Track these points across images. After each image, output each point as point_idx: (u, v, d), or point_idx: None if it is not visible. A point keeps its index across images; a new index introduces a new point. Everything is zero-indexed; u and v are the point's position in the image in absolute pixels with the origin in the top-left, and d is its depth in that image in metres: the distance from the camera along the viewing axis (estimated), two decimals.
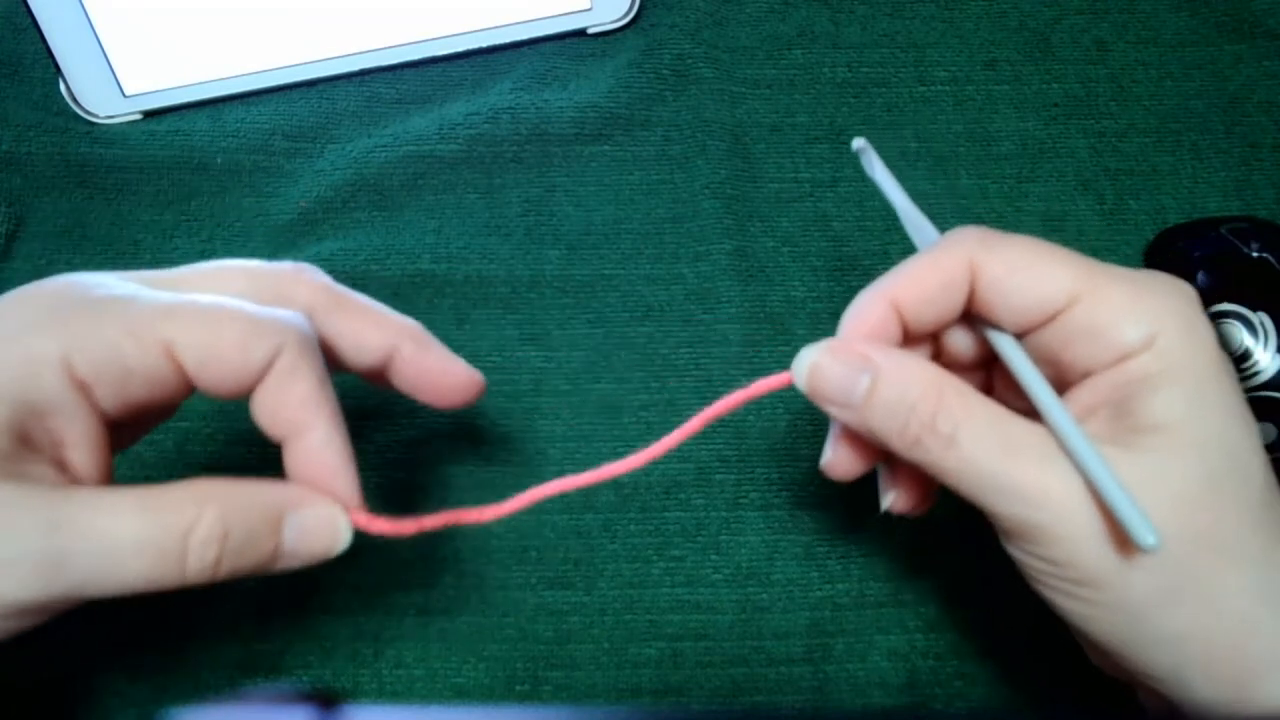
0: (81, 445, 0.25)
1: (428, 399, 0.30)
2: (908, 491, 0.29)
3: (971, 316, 0.27)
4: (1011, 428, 0.25)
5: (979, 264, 0.25)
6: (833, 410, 0.26)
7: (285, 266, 0.28)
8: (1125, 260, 0.41)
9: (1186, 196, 0.42)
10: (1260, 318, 0.36)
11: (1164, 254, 0.40)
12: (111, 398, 0.25)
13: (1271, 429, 0.35)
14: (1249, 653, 0.24)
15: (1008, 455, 0.24)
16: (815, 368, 0.26)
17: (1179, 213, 0.42)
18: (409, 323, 0.29)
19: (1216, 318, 0.37)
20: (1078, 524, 0.24)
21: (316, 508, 0.26)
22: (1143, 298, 0.24)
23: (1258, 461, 0.24)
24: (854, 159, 0.42)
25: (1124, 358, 0.24)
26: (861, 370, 0.25)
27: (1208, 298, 0.37)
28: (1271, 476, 0.25)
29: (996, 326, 0.26)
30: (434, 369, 0.29)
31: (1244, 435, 0.24)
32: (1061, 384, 0.26)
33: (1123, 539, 0.23)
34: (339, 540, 0.26)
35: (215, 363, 0.25)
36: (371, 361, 0.29)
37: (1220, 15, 0.45)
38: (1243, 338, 0.36)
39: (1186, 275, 0.38)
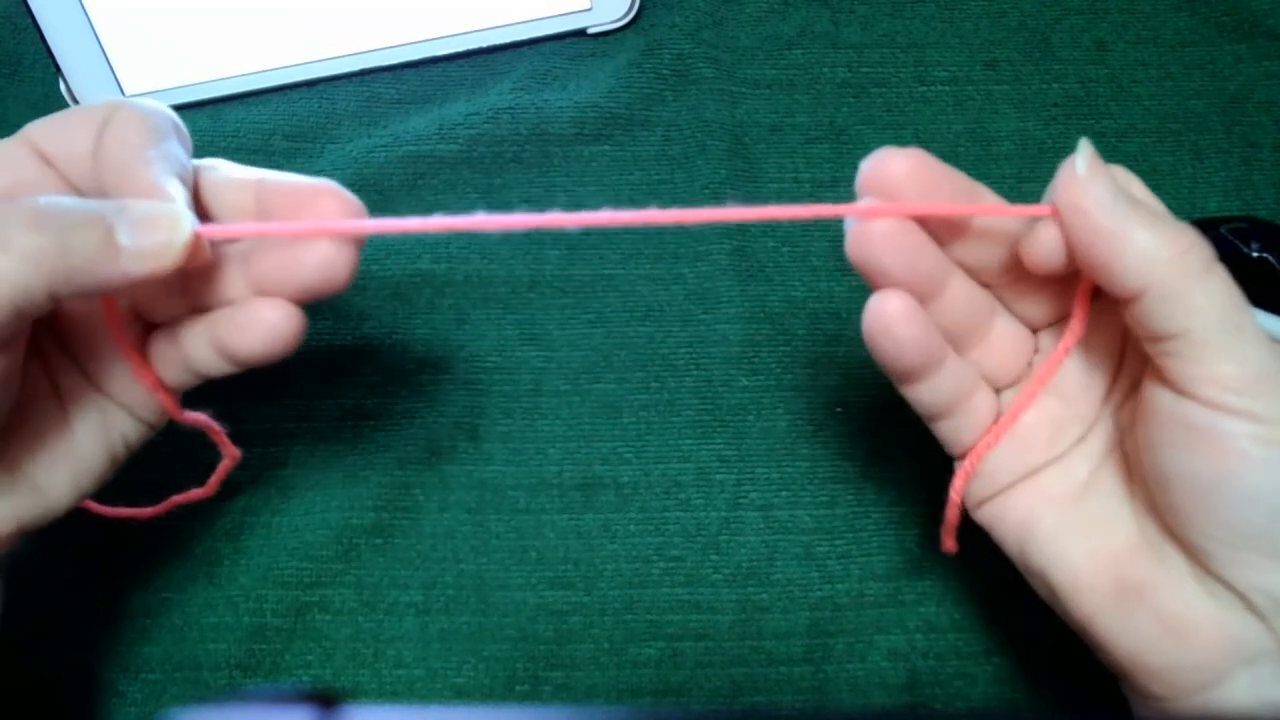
0: None
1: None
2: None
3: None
4: None
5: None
6: (1065, 185, 0.26)
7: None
8: None
9: (1186, 196, 0.42)
10: (1260, 317, 0.36)
11: None
12: None
13: None
14: None
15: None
16: (1091, 169, 0.27)
17: (1179, 213, 0.41)
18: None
19: None
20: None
21: (144, 202, 0.26)
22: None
23: None
24: (854, 159, 0.42)
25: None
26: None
27: None
28: None
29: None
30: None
31: None
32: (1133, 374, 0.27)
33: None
34: (177, 228, 0.26)
35: (59, 138, 0.27)
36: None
37: (1220, 15, 0.45)
38: None
39: None
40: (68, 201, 0.25)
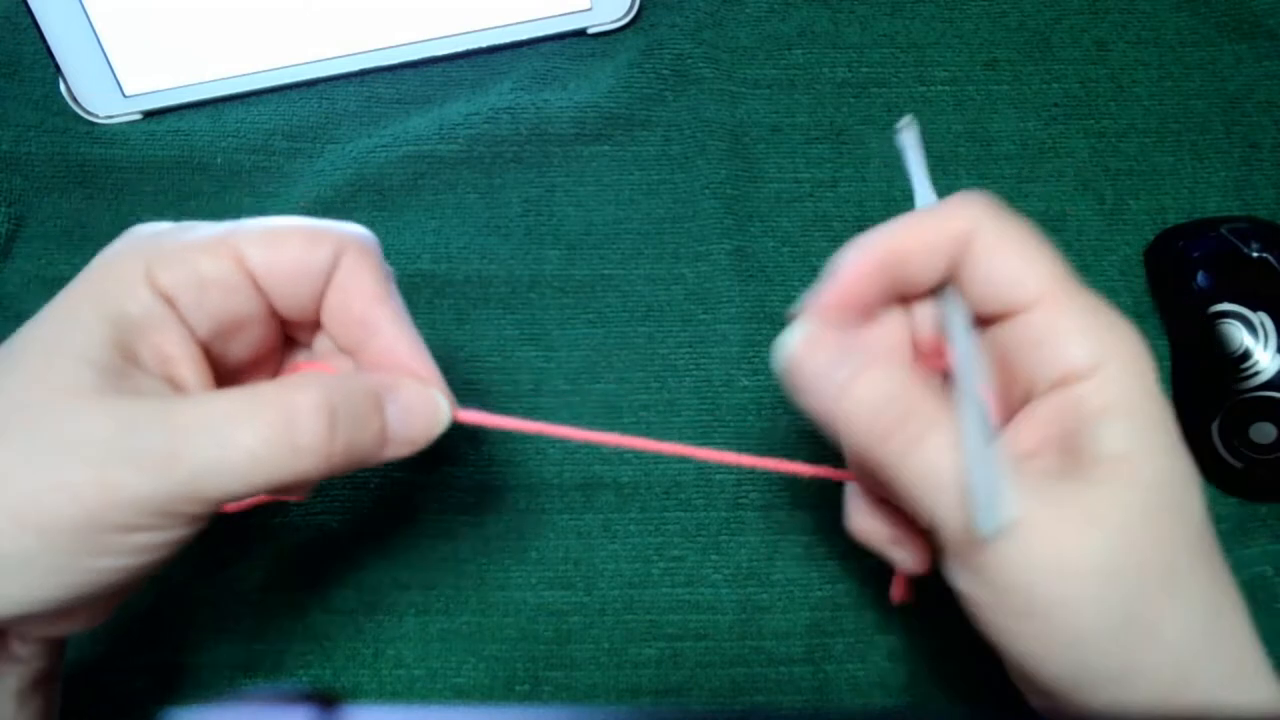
0: (186, 361, 0.26)
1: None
2: (915, 556, 0.29)
3: (942, 288, 0.27)
4: None
5: (979, 229, 0.25)
6: (806, 397, 0.26)
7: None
8: (1125, 260, 0.41)
9: (1186, 196, 0.42)
10: (1260, 318, 0.36)
11: (1164, 254, 0.40)
12: (194, 309, 0.26)
13: (1271, 429, 0.35)
14: (1189, 692, 0.23)
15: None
16: (799, 350, 0.26)
17: (1179, 213, 0.42)
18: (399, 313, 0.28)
19: (1216, 318, 0.37)
20: (1028, 543, 0.23)
21: (413, 387, 0.27)
22: (1097, 324, 0.25)
23: (1197, 498, 0.24)
24: (854, 159, 0.42)
25: (1066, 379, 0.24)
26: (843, 361, 0.25)
27: (1208, 298, 0.37)
28: (1206, 511, 0.24)
29: (959, 296, 0.26)
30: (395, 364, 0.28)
31: (1184, 472, 0.24)
32: (1008, 396, 0.26)
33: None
34: (440, 417, 0.27)
35: (280, 265, 0.26)
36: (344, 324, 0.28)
37: (1220, 15, 0.45)
38: (1243, 338, 0.36)
39: (1186, 275, 0.38)
40: (351, 388, 0.25)
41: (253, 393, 0.24)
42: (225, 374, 0.28)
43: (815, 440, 0.38)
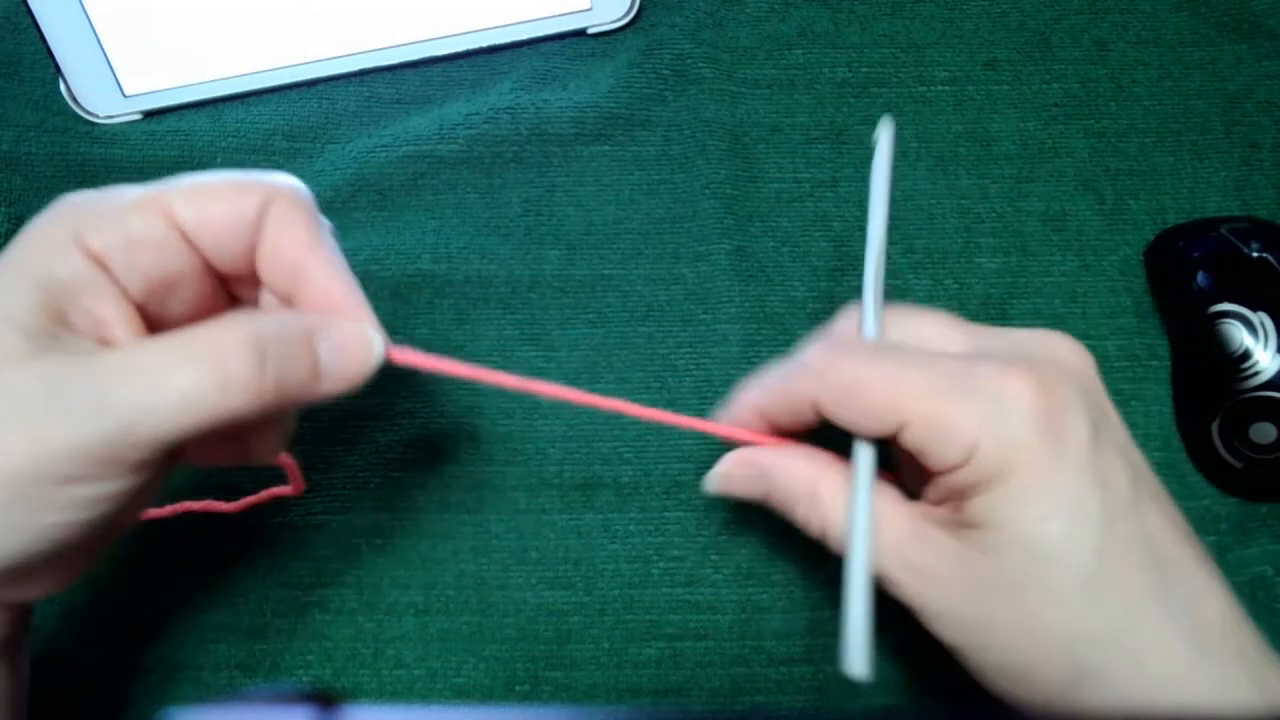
0: (119, 323, 0.26)
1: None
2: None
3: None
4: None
5: (817, 397, 0.29)
6: (747, 499, 0.31)
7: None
8: (1125, 260, 0.41)
9: (1186, 196, 0.42)
10: (1260, 318, 0.36)
11: (1164, 254, 0.40)
12: (126, 269, 0.26)
13: (1271, 429, 0.35)
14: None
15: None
16: (725, 477, 0.31)
17: (1179, 213, 0.42)
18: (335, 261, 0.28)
19: (1216, 318, 0.37)
20: (930, 598, 0.28)
21: (345, 323, 0.27)
22: (965, 415, 0.26)
23: (1091, 532, 0.26)
24: (854, 159, 0.42)
25: (951, 469, 0.27)
26: (758, 476, 0.31)
27: (1208, 298, 0.37)
28: (1115, 538, 0.26)
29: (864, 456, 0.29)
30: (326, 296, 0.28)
31: (1065, 523, 0.26)
32: (922, 475, 0.29)
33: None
34: (373, 352, 0.27)
35: (210, 218, 0.26)
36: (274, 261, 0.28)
37: (1220, 15, 0.45)
38: (1243, 338, 0.36)
39: (1186, 275, 0.38)
40: (281, 324, 0.26)
41: (181, 336, 0.25)
42: (145, 300, 0.28)
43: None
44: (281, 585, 0.35)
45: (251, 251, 0.27)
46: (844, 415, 0.28)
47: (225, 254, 0.27)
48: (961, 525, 0.27)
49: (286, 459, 0.33)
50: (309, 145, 0.43)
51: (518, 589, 0.35)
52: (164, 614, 0.35)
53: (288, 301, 0.28)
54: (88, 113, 0.43)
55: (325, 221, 0.29)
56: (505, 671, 0.34)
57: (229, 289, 0.29)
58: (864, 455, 0.29)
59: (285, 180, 0.27)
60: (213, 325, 0.25)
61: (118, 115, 0.43)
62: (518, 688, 0.34)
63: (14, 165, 0.42)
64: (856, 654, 0.25)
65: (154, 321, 0.27)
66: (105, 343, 0.26)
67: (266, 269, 0.27)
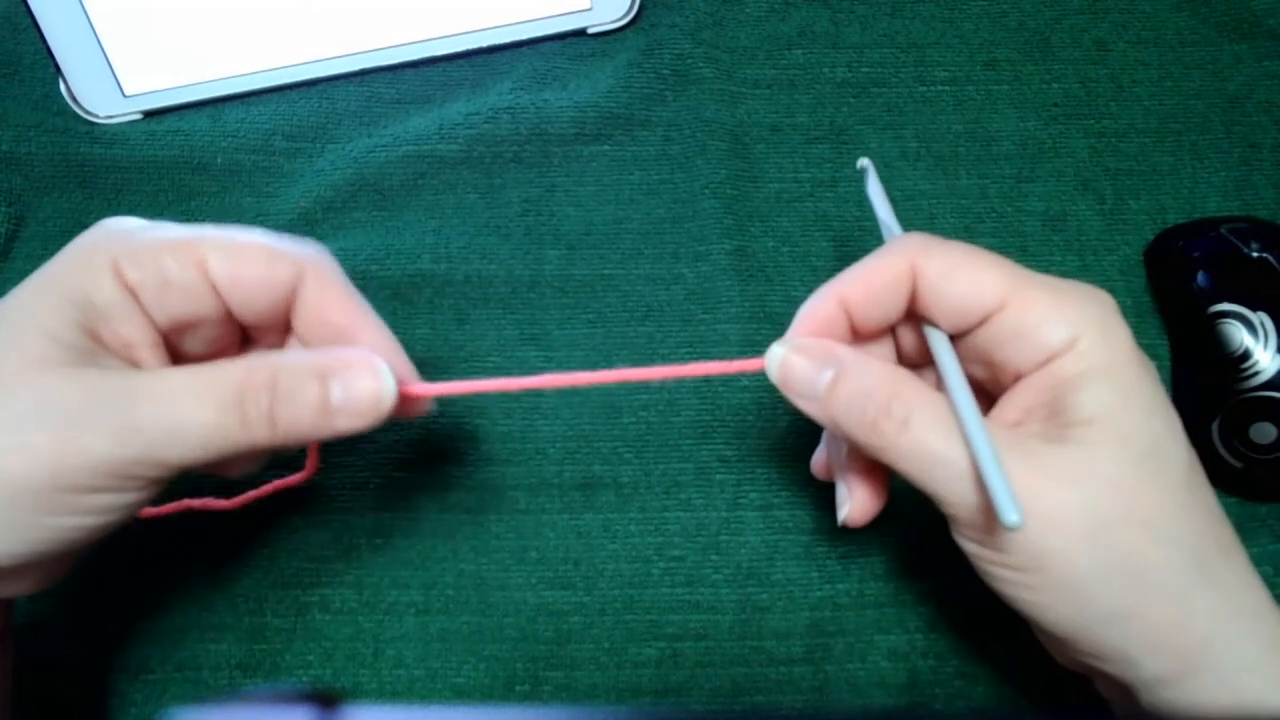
0: (145, 346, 0.28)
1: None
2: (862, 495, 0.30)
3: (915, 316, 0.29)
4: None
5: (919, 267, 0.27)
6: (800, 402, 0.28)
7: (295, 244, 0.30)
8: (1125, 260, 0.41)
9: (1186, 196, 0.42)
10: (1260, 318, 0.36)
11: (1164, 254, 0.40)
12: (155, 305, 0.27)
13: (1271, 429, 0.35)
14: (1188, 628, 0.25)
15: (954, 438, 0.26)
16: (785, 362, 0.28)
17: (1179, 213, 0.42)
18: (376, 324, 0.30)
19: (1216, 318, 0.37)
20: (1021, 503, 0.25)
21: (358, 362, 0.28)
22: (1065, 304, 0.26)
23: (1180, 450, 0.26)
24: (854, 159, 0.42)
25: (1050, 358, 0.26)
26: (825, 365, 0.27)
27: (1208, 298, 0.37)
28: (1195, 464, 0.26)
29: (933, 324, 0.28)
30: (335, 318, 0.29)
31: (1166, 426, 0.26)
32: (996, 386, 0.28)
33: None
34: (384, 392, 0.28)
35: (241, 277, 0.28)
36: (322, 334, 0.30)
37: (1220, 15, 0.45)
38: (1243, 338, 0.36)
39: (1186, 275, 0.38)
40: (297, 363, 0.27)
41: (211, 369, 0.27)
42: (184, 362, 0.29)
43: (816, 440, 0.38)
44: (281, 585, 0.35)
45: (275, 310, 0.29)
46: (945, 291, 0.27)
47: (250, 309, 0.28)
48: (1058, 428, 0.26)
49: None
50: (309, 145, 0.43)
51: (518, 589, 0.35)
52: (164, 614, 0.35)
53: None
54: (88, 113, 0.43)
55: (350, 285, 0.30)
56: (505, 671, 0.34)
57: (248, 334, 0.31)
58: (938, 336, 0.28)
59: (315, 252, 0.29)
60: (240, 363, 0.27)
61: (118, 115, 0.43)
62: (518, 688, 0.34)
63: (14, 165, 0.42)
64: (1007, 505, 0.23)
65: (174, 351, 0.29)
66: (132, 363, 0.28)
67: (306, 330, 0.29)
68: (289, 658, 0.35)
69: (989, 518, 0.25)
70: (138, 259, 0.27)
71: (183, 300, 0.28)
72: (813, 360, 0.27)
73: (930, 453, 0.26)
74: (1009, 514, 0.23)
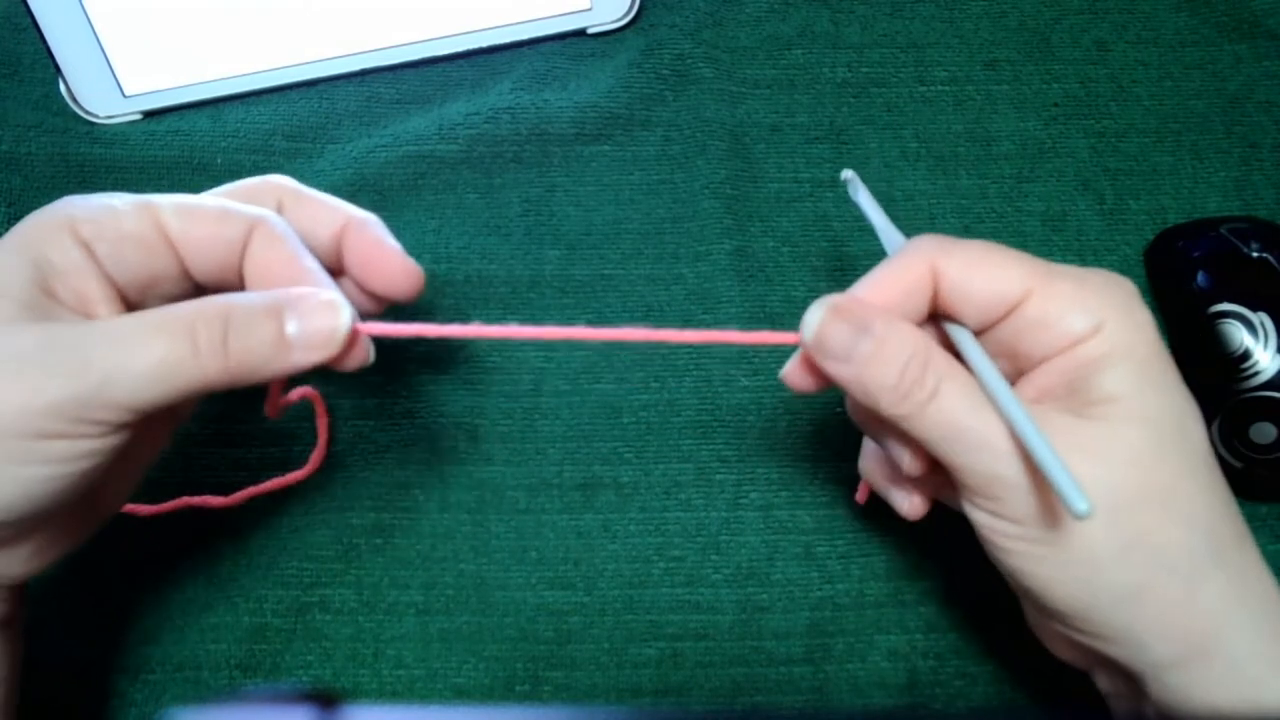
0: (103, 302, 0.28)
1: (375, 286, 0.31)
2: (916, 499, 0.31)
3: (937, 317, 0.29)
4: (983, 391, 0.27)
5: (939, 268, 0.28)
6: (831, 365, 0.28)
7: (253, 179, 0.31)
8: (1125, 260, 0.41)
9: (1186, 196, 0.42)
10: (1260, 318, 0.36)
11: (1164, 254, 0.40)
12: (113, 260, 0.28)
13: (1271, 429, 0.35)
14: (1199, 608, 0.25)
15: (981, 410, 0.26)
16: (823, 324, 0.27)
17: (1179, 213, 0.42)
18: (359, 211, 0.32)
19: (1216, 318, 0.37)
20: (1041, 479, 0.25)
21: (313, 296, 0.28)
22: (1088, 291, 0.27)
23: (1199, 432, 0.26)
24: (853, 159, 0.42)
25: (1074, 344, 0.26)
26: (862, 329, 0.27)
27: (1208, 298, 0.37)
28: (1209, 446, 0.27)
29: (958, 323, 0.28)
30: (372, 248, 0.31)
31: (1185, 407, 0.27)
32: (1017, 376, 0.28)
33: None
34: (339, 323, 0.28)
35: (195, 233, 0.28)
36: (327, 241, 0.31)
37: (1220, 15, 0.45)
38: (1243, 338, 0.36)
39: (1186, 275, 0.38)
40: (249, 299, 0.27)
41: (160, 310, 0.27)
42: (127, 291, 0.29)
43: (816, 440, 0.38)
44: (281, 585, 0.35)
45: (228, 267, 0.29)
46: (968, 288, 0.27)
47: (204, 265, 0.29)
48: (1079, 405, 0.26)
49: (322, 427, 0.36)
50: (309, 145, 0.43)
51: (518, 589, 0.35)
52: (164, 614, 0.35)
53: None
54: (88, 113, 0.43)
55: (371, 216, 0.31)
56: (505, 671, 0.34)
57: (206, 293, 0.31)
58: (966, 334, 0.28)
59: (268, 213, 0.30)
60: (189, 302, 0.27)
61: (118, 115, 0.43)
62: (518, 688, 0.34)
63: (14, 165, 0.42)
64: (1075, 495, 0.23)
65: (134, 309, 0.29)
66: (89, 317, 0.28)
67: (255, 286, 0.29)
68: (289, 658, 0.35)
69: (1009, 487, 0.26)
70: (93, 216, 0.28)
71: (139, 255, 0.28)
72: (851, 324, 0.27)
73: (955, 422, 0.26)
74: (1078, 503, 0.23)
